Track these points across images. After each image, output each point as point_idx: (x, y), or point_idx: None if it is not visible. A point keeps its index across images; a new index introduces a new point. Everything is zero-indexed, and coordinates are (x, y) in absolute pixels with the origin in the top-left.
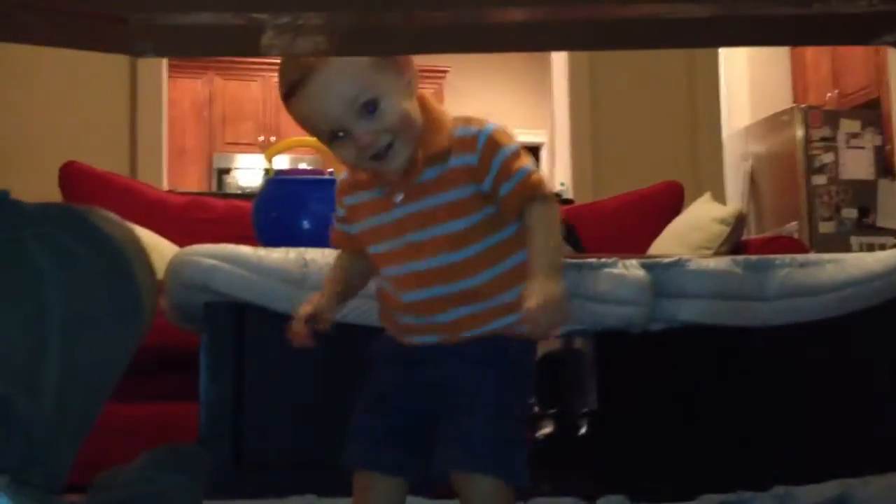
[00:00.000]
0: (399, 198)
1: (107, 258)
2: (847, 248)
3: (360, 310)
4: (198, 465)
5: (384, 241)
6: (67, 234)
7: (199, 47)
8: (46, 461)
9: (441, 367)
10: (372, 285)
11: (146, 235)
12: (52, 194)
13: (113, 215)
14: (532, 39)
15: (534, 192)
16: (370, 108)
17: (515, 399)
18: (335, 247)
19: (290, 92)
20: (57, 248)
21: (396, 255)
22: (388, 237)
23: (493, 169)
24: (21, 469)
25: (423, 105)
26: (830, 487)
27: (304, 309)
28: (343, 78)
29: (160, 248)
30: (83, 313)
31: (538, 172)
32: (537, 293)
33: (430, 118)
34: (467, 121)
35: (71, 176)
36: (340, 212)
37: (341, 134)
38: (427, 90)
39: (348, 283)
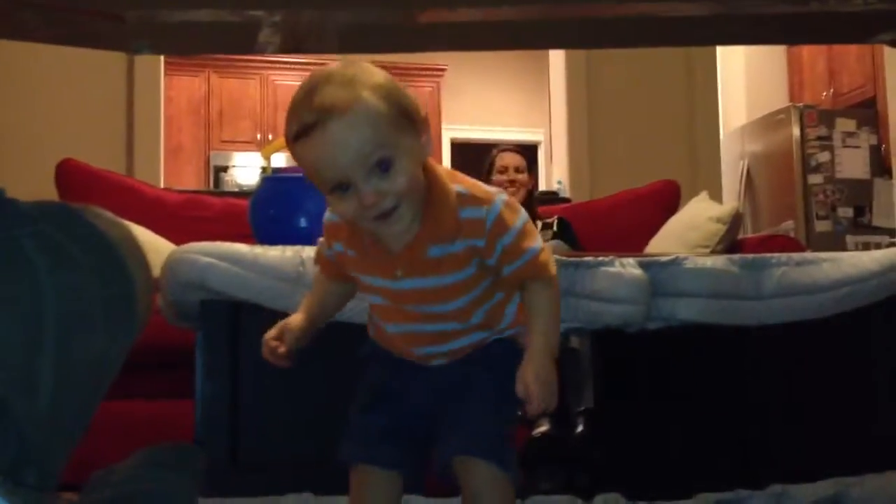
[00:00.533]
0: (399, 273)
1: (102, 257)
2: (843, 247)
3: (357, 309)
4: (192, 463)
5: (380, 297)
6: (62, 233)
7: (196, 45)
8: (40, 460)
9: (439, 368)
10: None
11: (143, 234)
12: (48, 191)
13: (108, 213)
14: (529, 37)
15: (540, 272)
16: (383, 166)
17: (509, 400)
18: (318, 267)
19: (302, 133)
20: (52, 247)
21: (391, 313)
22: (386, 298)
23: (497, 250)
24: (15, 468)
25: (430, 172)
26: (827, 486)
27: (269, 333)
28: (361, 130)
29: (157, 246)
30: (78, 312)
31: (546, 252)
32: (537, 373)
33: (436, 188)
34: (475, 199)
35: (67, 173)
36: (328, 251)
37: (345, 187)
38: (425, 88)
39: (327, 305)
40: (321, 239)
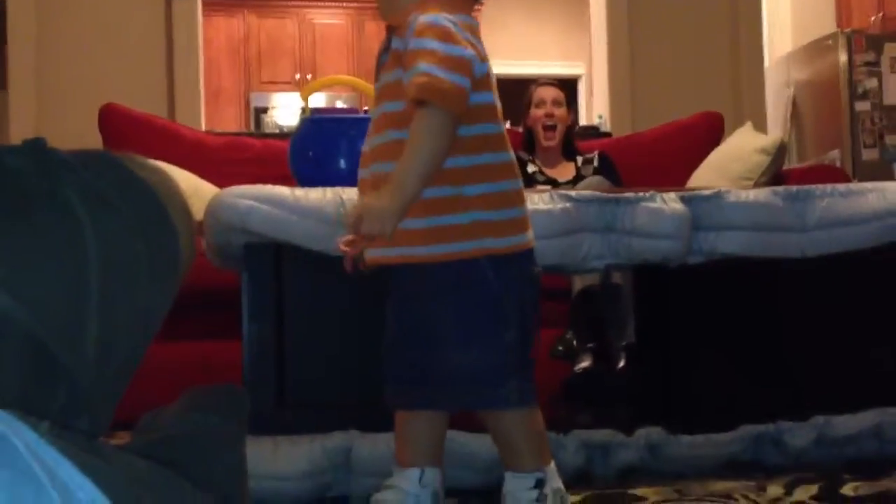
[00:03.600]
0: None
1: (144, 206)
2: (890, 176)
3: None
4: (237, 406)
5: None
6: (104, 182)
7: None
8: (90, 408)
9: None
10: None
11: (185, 177)
12: (92, 136)
13: (150, 161)
14: None
15: (416, 94)
16: None
17: (488, 322)
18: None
19: None
20: (94, 196)
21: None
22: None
23: (404, 58)
24: (65, 416)
25: None
26: (869, 417)
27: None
28: None
29: (199, 190)
30: (122, 261)
31: (432, 75)
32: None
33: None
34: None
35: (110, 118)
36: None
37: None
38: None
39: None
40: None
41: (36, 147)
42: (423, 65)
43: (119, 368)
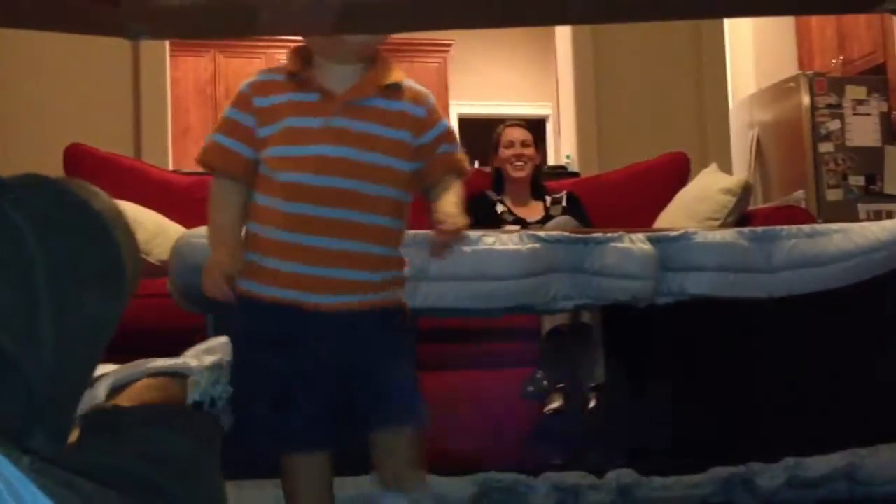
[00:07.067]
0: (337, 109)
1: (85, 221)
2: (854, 216)
3: None
4: (210, 432)
5: (312, 144)
6: (45, 200)
7: (194, 29)
8: (47, 417)
9: (345, 335)
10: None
11: (152, 217)
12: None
13: (88, 184)
14: (534, 13)
15: (461, 166)
16: None
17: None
18: (221, 172)
19: None
20: (37, 212)
21: (326, 163)
22: (321, 142)
23: (437, 129)
24: (24, 426)
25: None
26: (840, 457)
27: (218, 288)
28: None
29: (166, 230)
30: (68, 271)
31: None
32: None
33: (383, 55)
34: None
35: (75, 158)
36: (248, 119)
37: None
38: (431, 64)
39: (239, 218)
40: (228, 116)
41: None
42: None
43: (73, 375)
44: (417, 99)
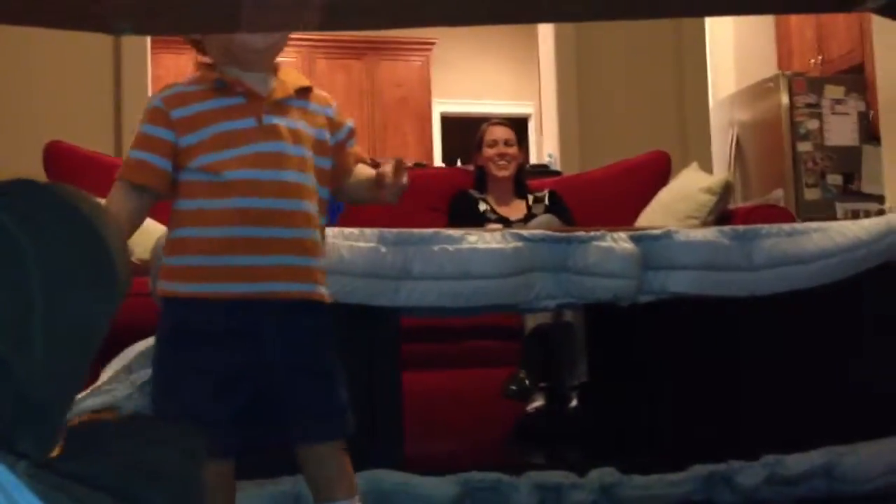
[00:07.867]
0: (266, 109)
1: (75, 223)
2: (833, 215)
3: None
4: (194, 444)
5: (251, 143)
6: (34, 204)
7: (178, 25)
8: (36, 422)
9: (274, 336)
10: None
11: None
12: (37, 174)
13: (78, 190)
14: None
15: (366, 159)
16: None
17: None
18: (135, 184)
19: None
20: (25, 216)
21: (266, 159)
22: (258, 140)
23: (346, 127)
24: (11, 429)
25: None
26: (819, 455)
27: None
28: None
29: (146, 228)
30: (60, 272)
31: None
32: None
33: (282, 64)
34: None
35: (55, 155)
36: (165, 132)
37: None
38: (414, 62)
39: (134, 226)
40: (143, 132)
41: None
42: None
43: (65, 377)
44: (325, 101)
